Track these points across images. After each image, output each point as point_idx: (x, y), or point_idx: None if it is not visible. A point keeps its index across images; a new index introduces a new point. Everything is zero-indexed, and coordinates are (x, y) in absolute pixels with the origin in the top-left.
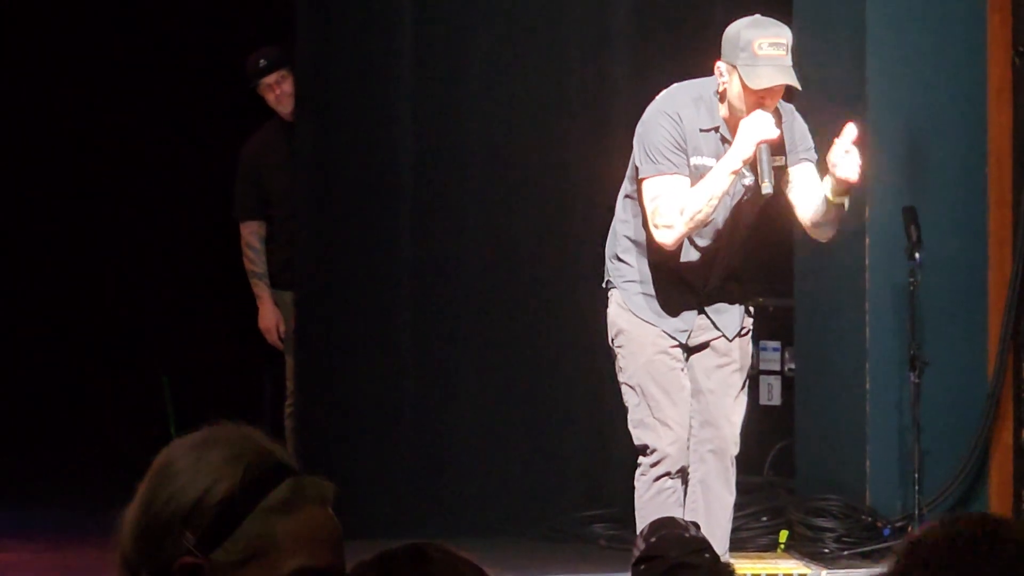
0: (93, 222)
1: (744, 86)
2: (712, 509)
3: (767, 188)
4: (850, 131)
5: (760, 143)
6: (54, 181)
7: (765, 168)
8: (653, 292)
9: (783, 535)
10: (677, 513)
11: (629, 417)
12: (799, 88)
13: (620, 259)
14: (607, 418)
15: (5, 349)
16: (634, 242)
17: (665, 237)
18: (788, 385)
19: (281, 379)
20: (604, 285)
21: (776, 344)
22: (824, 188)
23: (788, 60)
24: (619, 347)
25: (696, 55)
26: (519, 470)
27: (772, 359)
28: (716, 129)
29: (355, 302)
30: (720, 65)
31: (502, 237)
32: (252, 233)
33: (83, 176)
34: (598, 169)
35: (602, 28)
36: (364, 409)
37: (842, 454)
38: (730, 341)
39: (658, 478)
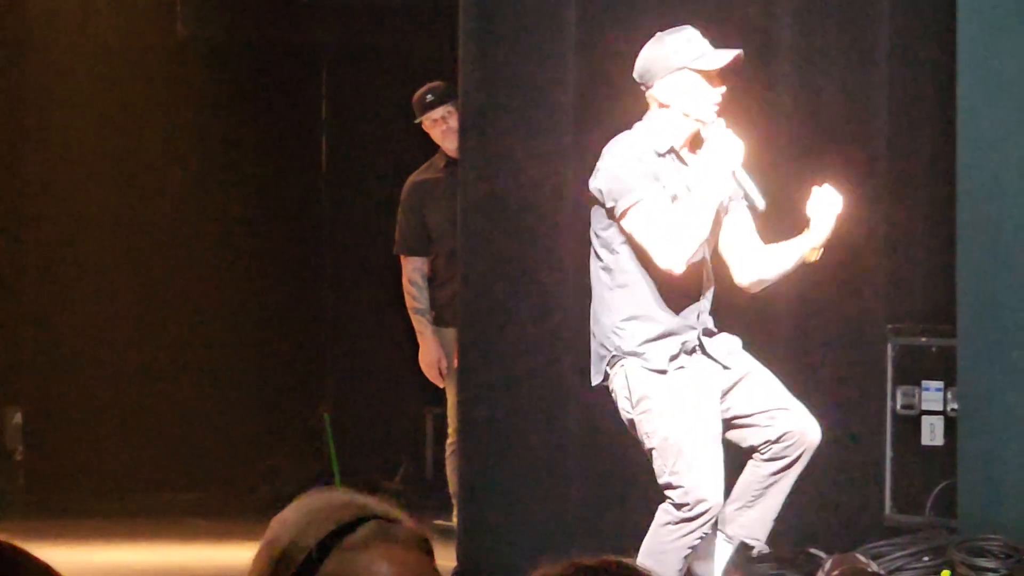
0: (259, 259)
1: (702, 74)
2: (775, 492)
3: (760, 203)
4: (828, 193)
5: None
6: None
7: (748, 183)
8: (665, 324)
9: (945, 575)
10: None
11: (665, 481)
12: (742, 59)
13: (619, 328)
14: None
15: (175, 385)
16: (629, 293)
17: (672, 262)
18: (950, 425)
19: (442, 417)
20: (603, 379)
21: (939, 384)
22: (797, 247)
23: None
24: (643, 413)
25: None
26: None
27: (934, 399)
28: (671, 150)
29: (519, 339)
30: (656, 87)
31: None
32: (415, 269)
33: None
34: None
35: (767, 37)
36: (528, 446)
37: (1006, 494)
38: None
39: (698, 527)
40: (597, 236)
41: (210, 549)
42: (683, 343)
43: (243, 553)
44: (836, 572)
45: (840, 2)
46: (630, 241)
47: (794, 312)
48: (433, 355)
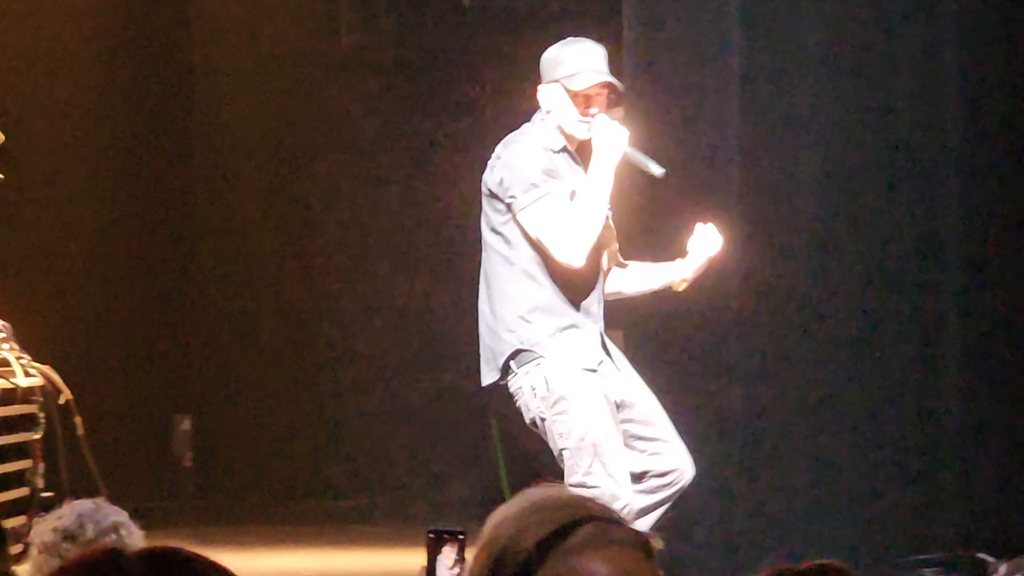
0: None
1: (570, 93)
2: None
3: (658, 171)
4: (710, 232)
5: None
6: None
7: (641, 158)
8: (570, 317)
9: None
10: None
11: (577, 480)
12: (619, 87)
13: (525, 319)
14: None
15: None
16: (531, 287)
17: (571, 256)
18: None
19: None
20: (507, 377)
21: None
22: (667, 273)
23: (603, 66)
24: (560, 413)
25: None
26: (844, 521)
27: None
28: (564, 148)
29: (686, 347)
30: (542, 89)
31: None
32: None
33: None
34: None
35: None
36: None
37: None
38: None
39: None
40: (495, 231)
41: (377, 555)
42: (592, 339)
43: (409, 559)
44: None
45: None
46: (527, 235)
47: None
48: None
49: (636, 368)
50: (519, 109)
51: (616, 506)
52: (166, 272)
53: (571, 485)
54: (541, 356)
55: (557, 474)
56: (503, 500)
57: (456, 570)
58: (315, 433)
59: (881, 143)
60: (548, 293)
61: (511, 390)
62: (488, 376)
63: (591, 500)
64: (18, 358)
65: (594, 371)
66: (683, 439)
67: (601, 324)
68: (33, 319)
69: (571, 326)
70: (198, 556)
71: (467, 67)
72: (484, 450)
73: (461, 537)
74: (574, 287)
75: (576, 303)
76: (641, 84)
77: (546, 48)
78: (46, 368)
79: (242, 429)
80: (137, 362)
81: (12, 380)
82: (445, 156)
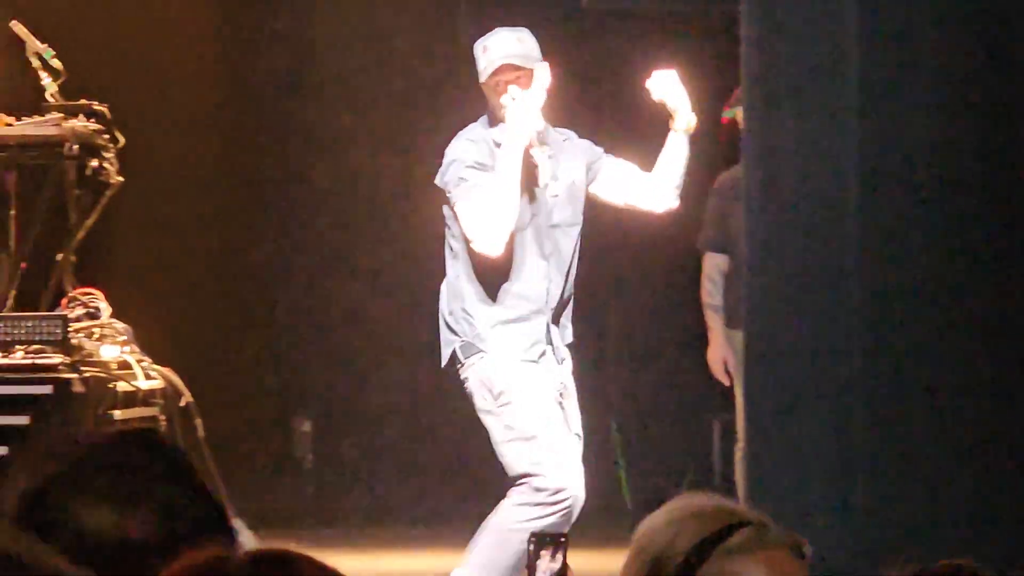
0: None
1: (485, 89)
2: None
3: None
4: (662, 75)
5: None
6: None
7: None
8: (515, 310)
9: None
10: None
11: (523, 471)
12: (521, 63)
13: (467, 312)
14: None
15: None
16: (473, 280)
17: (485, 245)
18: None
19: (730, 423)
20: (456, 367)
21: None
22: (678, 137)
23: (506, 51)
24: (503, 406)
25: None
26: (965, 522)
27: None
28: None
29: (803, 346)
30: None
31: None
32: (714, 266)
33: None
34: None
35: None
36: (814, 459)
37: None
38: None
39: (553, 514)
40: (447, 224)
41: None
42: (536, 332)
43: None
44: None
45: None
46: (459, 226)
47: None
48: (719, 352)
49: (756, 367)
50: (635, 109)
51: (560, 497)
52: (287, 274)
53: (517, 476)
54: (483, 350)
55: (694, 482)
56: (625, 506)
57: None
58: (434, 435)
59: (1003, 156)
60: (490, 285)
61: (461, 379)
62: (444, 359)
63: (740, 505)
64: (139, 360)
65: (534, 362)
66: (798, 442)
67: (549, 316)
68: (155, 322)
69: (515, 319)
70: (306, 558)
71: (583, 67)
72: (603, 457)
73: (563, 540)
74: (519, 278)
75: (521, 294)
76: (756, 85)
77: (662, 48)
78: (167, 370)
79: (363, 431)
80: (258, 364)
81: (133, 383)
82: None
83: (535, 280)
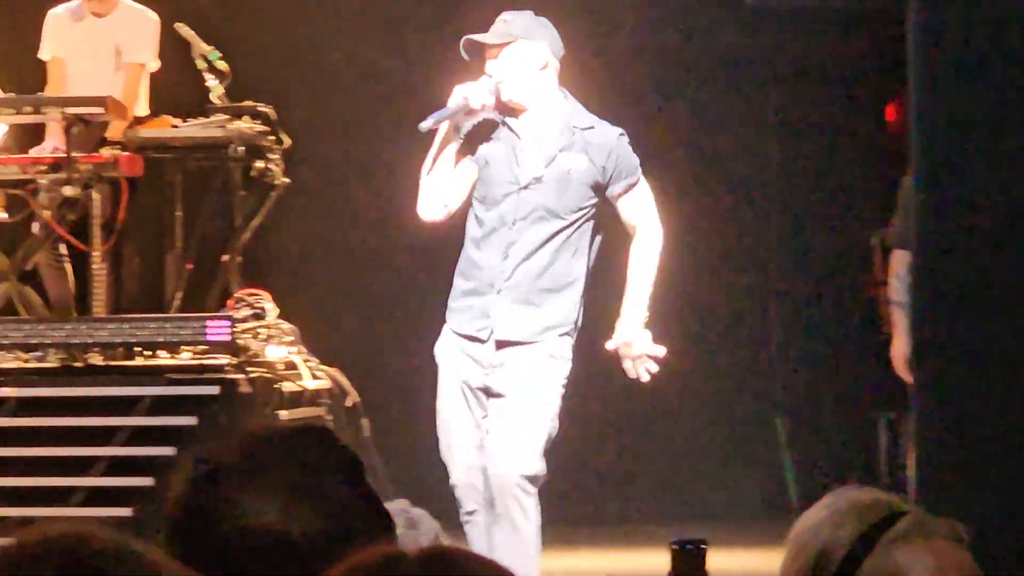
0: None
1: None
2: None
3: (423, 124)
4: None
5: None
6: None
7: (444, 113)
8: (472, 282)
9: None
10: None
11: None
12: (476, 39)
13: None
14: None
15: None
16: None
17: (419, 209)
18: None
19: (897, 421)
20: None
21: None
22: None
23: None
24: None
25: None
26: None
27: None
28: (498, 116)
29: (978, 350)
30: None
31: None
32: (903, 264)
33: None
34: None
35: None
36: (988, 464)
37: None
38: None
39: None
40: None
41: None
42: (483, 307)
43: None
44: None
45: None
46: None
47: None
48: (903, 348)
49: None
50: (807, 106)
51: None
52: None
53: (532, 474)
54: (447, 320)
55: (861, 481)
56: (789, 502)
57: None
58: (635, 440)
59: None
60: (465, 257)
61: None
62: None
63: (899, 496)
64: (305, 361)
65: (471, 338)
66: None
67: (501, 293)
68: (322, 322)
69: (470, 291)
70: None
71: (747, 65)
72: (771, 451)
73: (703, 547)
74: (480, 253)
75: (481, 267)
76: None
77: (826, 46)
78: (334, 370)
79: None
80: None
81: (299, 383)
82: (735, 157)
83: (495, 256)
